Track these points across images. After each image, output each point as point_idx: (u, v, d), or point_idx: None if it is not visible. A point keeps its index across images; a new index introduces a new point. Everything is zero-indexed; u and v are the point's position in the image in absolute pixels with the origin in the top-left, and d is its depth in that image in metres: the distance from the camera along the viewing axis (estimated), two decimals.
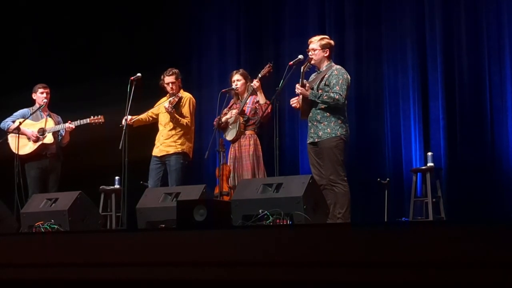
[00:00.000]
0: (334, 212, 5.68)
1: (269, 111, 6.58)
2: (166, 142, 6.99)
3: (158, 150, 7.02)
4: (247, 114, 6.81)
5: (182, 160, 6.94)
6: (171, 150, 6.95)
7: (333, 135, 5.86)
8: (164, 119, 7.07)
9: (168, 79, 7.03)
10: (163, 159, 6.98)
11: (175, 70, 7.08)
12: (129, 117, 6.88)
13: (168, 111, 6.86)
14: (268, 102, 6.64)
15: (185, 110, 7.03)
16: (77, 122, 7.28)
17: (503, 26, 7.49)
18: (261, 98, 6.76)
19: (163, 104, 7.00)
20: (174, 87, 7.02)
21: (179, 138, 6.98)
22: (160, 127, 7.10)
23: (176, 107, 6.96)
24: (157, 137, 7.11)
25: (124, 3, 9.30)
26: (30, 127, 7.30)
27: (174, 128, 6.99)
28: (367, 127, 8.07)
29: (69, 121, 7.29)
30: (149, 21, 9.40)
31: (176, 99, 6.96)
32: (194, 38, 9.57)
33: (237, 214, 4.99)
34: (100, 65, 8.80)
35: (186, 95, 7.09)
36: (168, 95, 7.11)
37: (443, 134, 7.63)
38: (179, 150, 6.95)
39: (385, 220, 7.09)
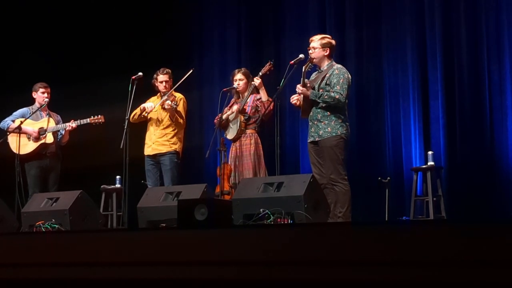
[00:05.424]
0: (335, 211, 5.69)
1: (271, 108, 6.60)
2: (159, 141, 7.00)
3: (151, 149, 7.03)
4: (248, 113, 6.81)
5: (175, 159, 6.98)
6: (164, 149, 6.97)
7: (334, 134, 5.85)
8: (156, 118, 7.08)
9: (162, 77, 7.08)
10: (156, 158, 7.00)
11: (168, 69, 7.14)
12: (152, 104, 6.97)
13: (171, 109, 6.87)
14: (270, 99, 6.65)
15: (180, 109, 7.06)
16: (78, 122, 7.28)
17: (503, 25, 7.49)
18: (263, 95, 6.77)
19: (159, 102, 7.01)
20: (167, 85, 7.07)
21: (172, 137, 7.01)
22: (152, 126, 7.10)
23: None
24: (147, 136, 7.11)
25: (124, 2, 9.29)
26: (30, 126, 7.29)
27: (168, 127, 7.02)
28: (367, 126, 8.07)
29: (71, 121, 7.28)
30: (150, 20, 9.40)
31: (172, 98, 6.97)
32: (195, 37, 9.57)
33: (238, 213, 5.00)
34: (101, 64, 8.80)
35: (178, 95, 7.12)
36: (159, 94, 7.14)
37: (443, 132, 7.63)
38: (172, 149, 6.99)
39: (386, 219, 7.09)
